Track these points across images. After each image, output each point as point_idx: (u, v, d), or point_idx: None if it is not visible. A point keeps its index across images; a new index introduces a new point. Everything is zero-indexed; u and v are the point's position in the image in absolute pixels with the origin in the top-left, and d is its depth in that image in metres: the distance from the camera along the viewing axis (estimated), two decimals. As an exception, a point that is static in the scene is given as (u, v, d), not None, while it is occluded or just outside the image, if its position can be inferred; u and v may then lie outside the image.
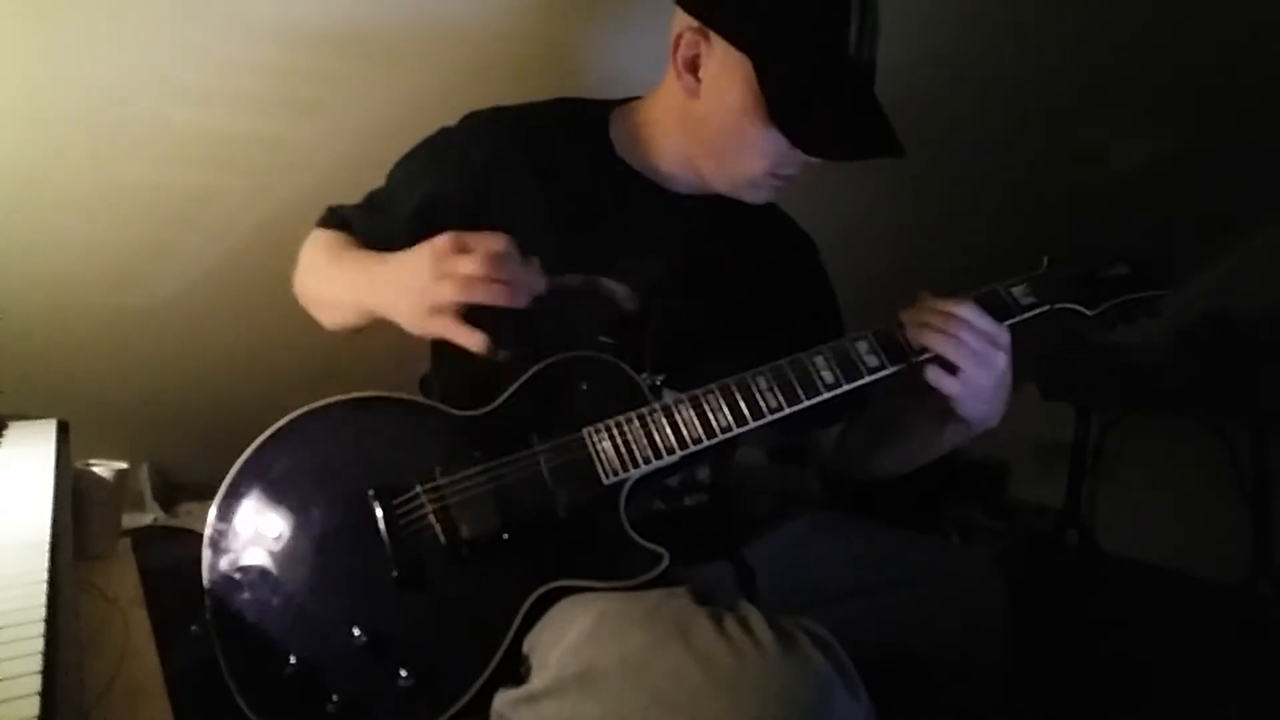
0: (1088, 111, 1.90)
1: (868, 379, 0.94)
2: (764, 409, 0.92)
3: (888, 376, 0.94)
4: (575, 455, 0.91)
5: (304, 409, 0.93)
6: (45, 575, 0.70)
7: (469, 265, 0.82)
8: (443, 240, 0.85)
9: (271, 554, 0.86)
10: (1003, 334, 0.91)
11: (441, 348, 1.11)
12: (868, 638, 0.78)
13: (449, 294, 0.83)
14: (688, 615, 0.74)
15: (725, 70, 0.94)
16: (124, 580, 1.11)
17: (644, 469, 0.91)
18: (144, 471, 1.74)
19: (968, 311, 0.90)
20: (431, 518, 0.87)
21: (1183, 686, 1.77)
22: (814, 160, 0.96)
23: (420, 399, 1.02)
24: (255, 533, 0.87)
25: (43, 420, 1.18)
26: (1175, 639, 2.00)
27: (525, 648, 0.84)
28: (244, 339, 1.60)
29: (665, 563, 0.86)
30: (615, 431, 0.92)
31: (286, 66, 1.24)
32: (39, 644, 0.58)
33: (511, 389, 0.95)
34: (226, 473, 0.90)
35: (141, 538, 1.32)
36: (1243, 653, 1.94)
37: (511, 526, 0.87)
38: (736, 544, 1.05)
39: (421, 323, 0.86)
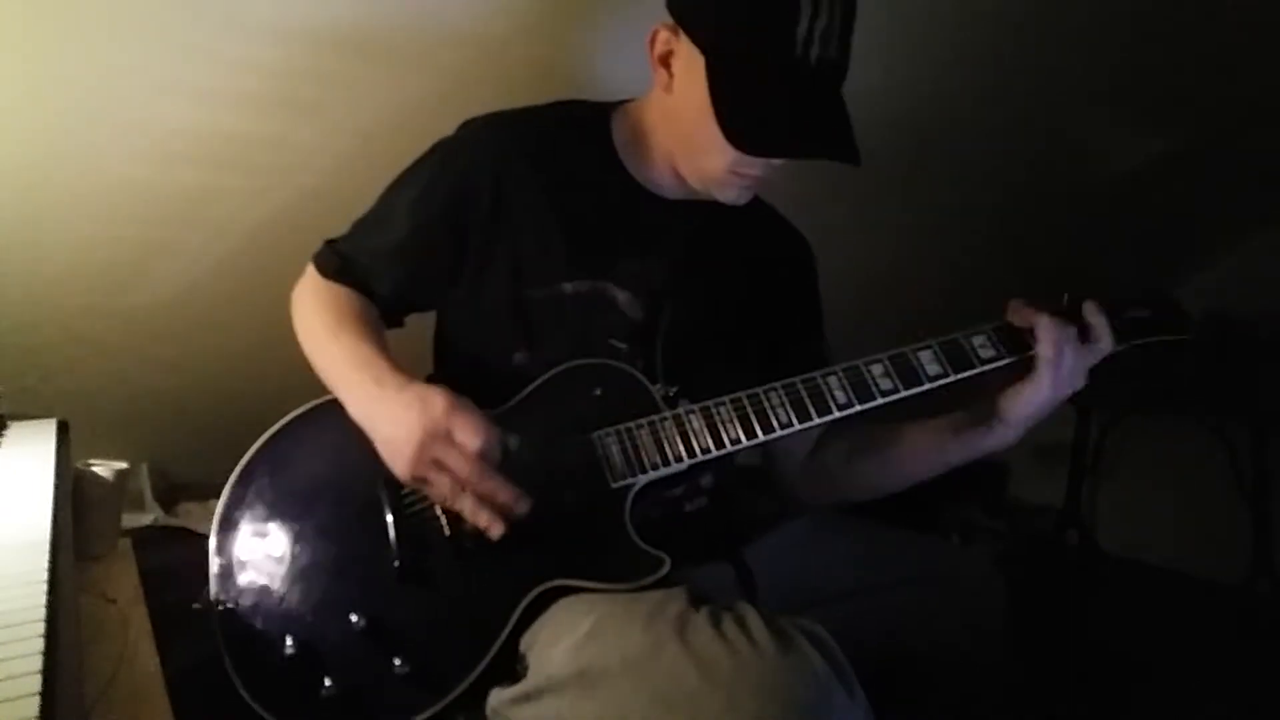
0: (1088, 111, 1.90)
1: (880, 401, 0.95)
2: (775, 424, 0.93)
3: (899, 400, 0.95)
4: (583, 458, 0.92)
5: (323, 399, 0.96)
6: (45, 575, 0.70)
7: (455, 460, 0.84)
8: (439, 414, 0.85)
9: (278, 539, 0.89)
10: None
11: (445, 350, 1.11)
12: (868, 638, 0.79)
13: (434, 490, 0.87)
14: (686, 616, 0.74)
15: (689, 67, 0.94)
16: (124, 580, 1.11)
17: (651, 475, 0.92)
18: (144, 471, 1.73)
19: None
20: (437, 509, 0.89)
21: (1183, 686, 1.77)
22: (775, 161, 0.95)
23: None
24: (265, 516, 0.90)
25: (43, 420, 1.18)
26: (1175, 639, 2.00)
27: (522, 646, 0.85)
28: (244, 339, 1.59)
29: (666, 568, 0.87)
30: (625, 437, 0.93)
31: (286, 66, 1.24)
32: (39, 644, 0.59)
33: (526, 390, 0.97)
34: (226, 473, 0.92)
35: (141, 538, 1.32)
36: (1243, 653, 1.94)
37: (515, 523, 0.87)
38: (736, 545, 1.05)
39: (408, 480, 0.88)
